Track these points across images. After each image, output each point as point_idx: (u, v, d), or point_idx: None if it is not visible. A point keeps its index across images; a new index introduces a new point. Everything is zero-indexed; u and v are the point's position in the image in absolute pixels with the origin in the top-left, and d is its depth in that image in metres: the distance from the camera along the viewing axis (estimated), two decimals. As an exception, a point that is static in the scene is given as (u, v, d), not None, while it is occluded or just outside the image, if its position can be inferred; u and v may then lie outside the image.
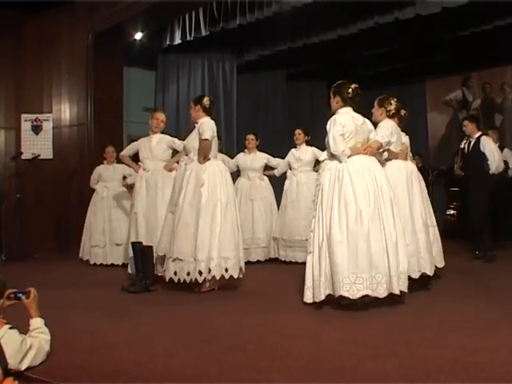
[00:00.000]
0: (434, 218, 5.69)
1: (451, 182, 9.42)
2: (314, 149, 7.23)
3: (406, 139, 5.65)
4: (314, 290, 4.34)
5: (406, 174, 5.27)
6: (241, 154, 7.92)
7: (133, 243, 6.06)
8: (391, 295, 4.29)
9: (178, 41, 9.33)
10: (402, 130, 5.63)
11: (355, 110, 4.68)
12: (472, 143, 7.09)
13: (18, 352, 2.95)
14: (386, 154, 5.10)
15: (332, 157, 4.54)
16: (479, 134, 7.12)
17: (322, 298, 4.27)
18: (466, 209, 7.40)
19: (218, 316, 4.31)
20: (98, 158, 7.97)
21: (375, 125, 5.13)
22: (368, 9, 8.19)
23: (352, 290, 4.17)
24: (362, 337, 3.59)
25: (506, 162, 7.61)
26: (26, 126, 9.26)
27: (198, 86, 10.84)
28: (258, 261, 7.41)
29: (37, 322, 3.20)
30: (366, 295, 4.22)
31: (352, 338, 3.58)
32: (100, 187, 7.80)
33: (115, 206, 7.71)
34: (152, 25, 9.06)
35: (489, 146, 6.98)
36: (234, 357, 3.24)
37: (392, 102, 5.31)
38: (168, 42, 9.54)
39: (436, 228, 5.66)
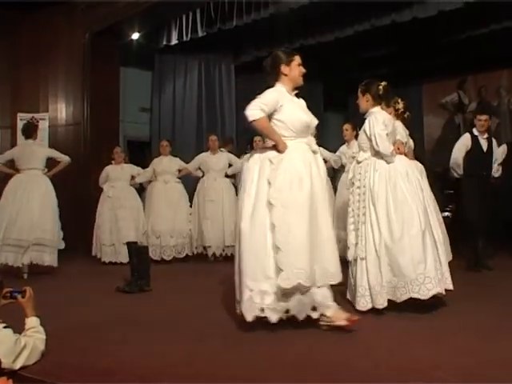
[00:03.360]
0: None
1: (446, 184, 9.44)
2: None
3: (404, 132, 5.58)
4: (373, 297, 4.18)
5: (404, 171, 5.20)
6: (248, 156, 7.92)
7: (128, 243, 6.07)
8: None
9: (174, 41, 9.33)
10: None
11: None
12: (487, 142, 6.53)
13: (12, 351, 2.94)
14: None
15: (375, 156, 4.44)
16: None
17: (385, 304, 4.16)
18: (477, 212, 6.51)
19: (213, 315, 4.30)
20: (93, 158, 7.96)
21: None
22: (365, 11, 8.21)
23: (422, 291, 4.08)
24: (357, 337, 3.60)
25: None
26: (21, 125, 9.22)
27: (195, 86, 10.84)
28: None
29: (32, 322, 3.19)
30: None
31: (347, 337, 3.59)
32: (107, 187, 7.88)
33: (122, 206, 7.74)
34: (149, 25, 9.07)
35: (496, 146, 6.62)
36: (228, 356, 3.24)
37: (398, 101, 5.36)
38: (165, 43, 9.54)
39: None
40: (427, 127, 12.20)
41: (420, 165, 5.49)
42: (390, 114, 5.12)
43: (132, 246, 5.91)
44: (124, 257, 7.45)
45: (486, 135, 6.54)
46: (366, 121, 4.51)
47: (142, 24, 8.93)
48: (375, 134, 4.38)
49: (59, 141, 9.15)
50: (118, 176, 7.90)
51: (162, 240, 7.88)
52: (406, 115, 5.64)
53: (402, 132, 5.46)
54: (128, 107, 10.00)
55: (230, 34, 9.11)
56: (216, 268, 7.02)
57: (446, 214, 9.94)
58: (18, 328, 3.11)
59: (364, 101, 4.60)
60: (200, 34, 8.95)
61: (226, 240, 7.88)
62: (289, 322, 3.84)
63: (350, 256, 4.40)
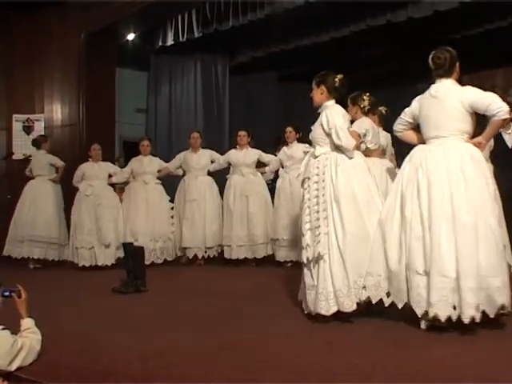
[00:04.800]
0: None
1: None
2: (306, 145, 7.17)
3: (384, 139, 5.47)
4: (339, 300, 3.89)
5: (380, 171, 5.06)
6: (232, 151, 7.75)
7: (124, 244, 6.07)
8: None
9: (170, 42, 9.32)
10: (384, 129, 5.54)
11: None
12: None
13: (9, 353, 2.96)
14: (362, 147, 4.81)
15: (335, 151, 4.17)
16: None
17: (354, 307, 3.91)
18: None
19: (209, 316, 4.31)
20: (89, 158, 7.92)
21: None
22: (360, 11, 8.21)
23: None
24: (351, 337, 3.60)
25: None
26: (17, 127, 9.23)
27: (191, 87, 10.83)
28: (255, 258, 7.38)
29: (28, 323, 3.20)
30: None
31: (341, 338, 3.60)
32: (84, 186, 7.57)
33: (101, 205, 7.46)
34: (144, 26, 9.07)
35: None
36: (223, 357, 3.24)
37: (365, 98, 5.10)
38: (160, 43, 9.53)
39: None
40: (423, 127, 12.22)
41: (387, 164, 5.45)
42: (356, 112, 5.11)
43: (128, 247, 5.92)
44: (104, 259, 7.32)
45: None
46: (323, 114, 4.24)
47: (137, 25, 8.93)
48: (336, 128, 4.10)
49: (55, 142, 9.11)
50: (95, 174, 7.63)
51: (141, 243, 7.26)
52: (383, 111, 5.55)
53: (382, 140, 5.45)
54: (124, 108, 9.99)
55: (226, 35, 9.11)
56: (211, 269, 7.00)
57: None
58: (13, 329, 3.10)
59: (318, 93, 4.37)
60: (196, 34, 8.94)
61: (208, 241, 7.57)
62: (289, 321, 3.84)
63: (305, 257, 4.09)
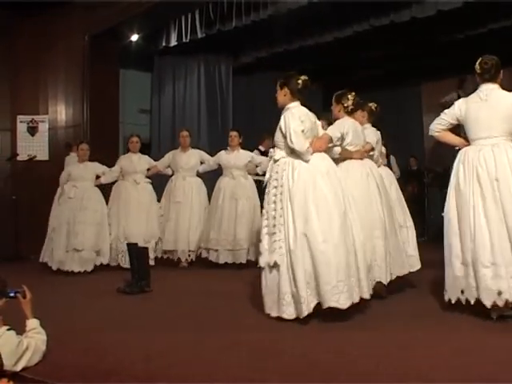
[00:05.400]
0: (407, 219, 5.51)
1: (447, 184, 9.43)
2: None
3: (373, 137, 5.32)
4: (297, 305, 3.91)
5: (360, 173, 4.86)
6: (222, 152, 7.48)
7: (128, 244, 6.07)
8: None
9: (173, 43, 9.32)
10: (374, 126, 5.44)
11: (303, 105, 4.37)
12: None
13: (14, 353, 2.97)
14: (337, 150, 4.72)
15: (292, 155, 4.17)
16: None
17: (310, 310, 3.89)
18: None
19: (213, 316, 4.31)
20: (93, 159, 7.89)
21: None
22: (364, 11, 8.21)
23: (342, 300, 3.87)
24: (356, 338, 3.60)
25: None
26: (21, 128, 9.25)
27: (194, 87, 10.84)
28: (235, 263, 7.05)
29: (33, 323, 3.22)
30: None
31: (345, 338, 3.60)
32: (68, 187, 7.21)
33: (83, 208, 7.06)
34: (148, 27, 9.06)
35: None
36: (228, 357, 3.25)
37: (349, 97, 4.91)
38: (164, 44, 9.53)
39: (410, 229, 5.47)
40: (427, 127, 11.96)
41: (370, 165, 5.27)
42: (339, 111, 4.92)
43: (132, 247, 5.92)
44: (77, 265, 6.91)
45: None
46: (282, 117, 4.26)
47: (141, 26, 8.93)
48: (290, 130, 4.10)
49: (59, 143, 9.16)
50: (81, 175, 7.26)
51: None
52: (373, 108, 5.46)
53: (371, 136, 5.28)
54: (127, 109, 10.01)
55: (230, 35, 9.10)
56: (217, 270, 6.99)
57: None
58: (19, 330, 3.12)
59: (282, 95, 4.38)
60: (199, 35, 8.93)
61: (191, 244, 7.33)
62: (290, 321, 3.85)
63: (264, 262, 4.09)
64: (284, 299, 3.97)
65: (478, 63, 4.20)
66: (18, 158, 8.99)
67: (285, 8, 7.94)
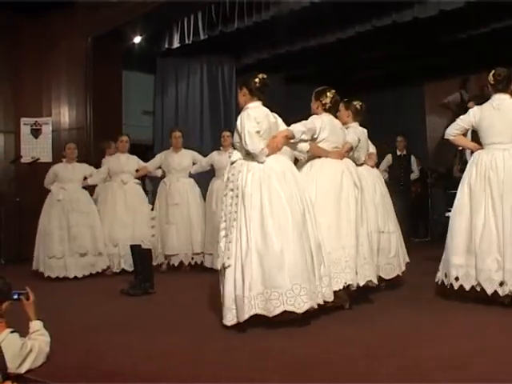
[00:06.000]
0: (390, 224, 5.31)
1: (450, 184, 9.43)
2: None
3: (354, 136, 5.05)
4: (238, 310, 3.80)
5: (333, 173, 4.60)
6: (215, 153, 7.35)
7: (132, 246, 6.07)
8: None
9: (176, 44, 9.34)
10: (361, 125, 5.32)
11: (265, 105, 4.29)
12: None
13: (18, 356, 2.97)
14: (303, 146, 4.53)
15: (248, 156, 4.11)
16: None
17: (246, 317, 3.78)
18: None
19: (215, 317, 4.31)
20: (96, 161, 7.91)
21: None
22: (366, 12, 8.21)
23: (298, 303, 3.76)
24: (359, 337, 3.60)
25: None
26: (25, 130, 9.27)
27: (197, 89, 10.85)
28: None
29: (36, 325, 3.22)
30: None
31: (348, 338, 3.60)
32: (56, 188, 6.94)
33: (74, 210, 6.81)
34: (151, 28, 9.08)
35: None
36: (230, 357, 3.26)
37: (328, 94, 4.75)
38: (166, 46, 9.55)
39: (393, 235, 5.29)
40: (430, 127, 12.16)
41: (375, 172, 5.36)
42: (317, 108, 4.78)
43: (136, 249, 5.92)
44: (79, 270, 6.69)
45: None
46: (238, 117, 4.20)
47: (144, 27, 8.94)
48: (244, 131, 4.05)
49: (62, 145, 9.12)
50: (68, 176, 6.99)
51: (121, 249, 6.87)
52: (358, 106, 5.30)
53: (352, 135, 5.03)
54: (131, 110, 10.01)
55: (232, 37, 9.11)
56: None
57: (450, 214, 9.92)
58: (22, 332, 3.12)
59: (241, 95, 4.31)
60: (202, 36, 8.95)
61: (195, 247, 7.18)
62: (290, 322, 3.85)
63: (219, 265, 4.04)
64: (225, 303, 3.91)
65: (491, 74, 4.61)
66: (22, 160, 9.01)
67: (287, 9, 7.94)
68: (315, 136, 4.58)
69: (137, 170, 7.39)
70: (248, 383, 2.84)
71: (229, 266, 3.91)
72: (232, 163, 4.19)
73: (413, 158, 9.44)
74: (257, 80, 4.25)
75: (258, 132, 4.07)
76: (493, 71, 4.62)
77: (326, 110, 4.75)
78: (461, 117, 4.85)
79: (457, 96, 11.73)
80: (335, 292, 4.22)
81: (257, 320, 3.78)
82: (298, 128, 4.37)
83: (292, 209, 3.96)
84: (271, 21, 8.24)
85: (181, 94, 10.84)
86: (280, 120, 4.42)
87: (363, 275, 4.45)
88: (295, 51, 9.67)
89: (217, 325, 4.04)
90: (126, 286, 5.60)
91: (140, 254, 5.79)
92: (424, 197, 10.56)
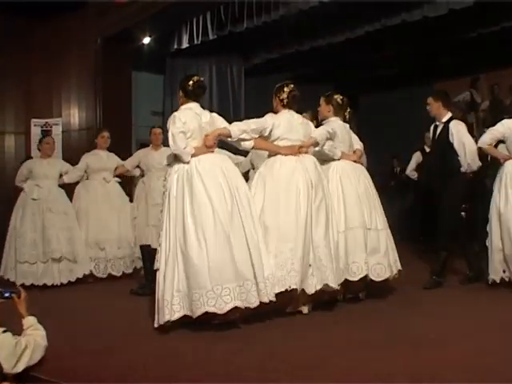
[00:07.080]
0: (376, 221, 4.91)
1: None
2: None
3: (323, 131, 4.81)
4: (164, 311, 3.81)
5: (282, 173, 4.45)
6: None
7: (141, 246, 6.09)
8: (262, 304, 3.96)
9: (185, 45, 9.35)
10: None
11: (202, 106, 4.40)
12: (439, 130, 5.67)
13: (13, 355, 2.93)
14: (247, 144, 4.49)
15: (176, 158, 4.16)
16: (448, 117, 5.61)
17: (168, 318, 3.79)
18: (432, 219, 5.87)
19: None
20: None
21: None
22: (375, 11, 8.19)
23: (219, 304, 3.75)
24: (368, 338, 3.60)
25: None
26: (35, 131, 9.32)
27: (206, 89, 10.85)
28: None
29: (29, 321, 3.19)
30: (236, 307, 3.82)
31: (358, 339, 3.59)
32: (29, 186, 6.35)
33: (50, 211, 6.24)
34: (160, 29, 9.10)
35: (458, 134, 5.42)
36: (241, 358, 3.26)
37: (285, 89, 4.68)
38: (176, 46, 9.56)
39: (381, 232, 4.91)
40: (440, 126, 12.13)
41: (360, 166, 5.15)
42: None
43: (145, 250, 5.94)
44: (52, 277, 6.13)
45: None
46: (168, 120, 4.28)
47: (153, 28, 8.97)
48: (168, 134, 4.15)
49: (72, 145, 9.22)
50: (44, 173, 6.42)
51: (108, 252, 6.55)
52: (339, 100, 5.13)
53: (320, 131, 4.83)
54: (140, 111, 10.04)
55: (241, 37, 9.12)
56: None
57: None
58: (16, 331, 3.09)
59: (180, 98, 4.44)
60: (211, 36, 8.96)
61: None
62: (294, 322, 3.85)
63: (156, 267, 4.06)
64: (156, 305, 3.93)
65: None
66: (32, 161, 9.05)
67: (296, 9, 7.94)
68: (265, 134, 4.55)
69: (115, 169, 6.96)
70: (260, 383, 2.84)
71: (157, 269, 3.98)
72: (167, 165, 4.31)
73: None
74: (191, 83, 4.38)
75: (182, 132, 4.12)
76: None
77: (284, 106, 4.71)
78: (496, 127, 5.21)
79: (467, 95, 11.68)
80: (297, 295, 4.20)
81: (264, 322, 3.78)
82: (237, 127, 4.38)
83: (216, 208, 3.94)
84: (280, 21, 8.24)
85: (190, 94, 10.84)
86: (220, 120, 4.45)
87: (320, 278, 4.24)
88: (304, 51, 9.66)
89: (225, 325, 4.05)
90: (136, 286, 5.62)
91: (150, 254, 5.80)
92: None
